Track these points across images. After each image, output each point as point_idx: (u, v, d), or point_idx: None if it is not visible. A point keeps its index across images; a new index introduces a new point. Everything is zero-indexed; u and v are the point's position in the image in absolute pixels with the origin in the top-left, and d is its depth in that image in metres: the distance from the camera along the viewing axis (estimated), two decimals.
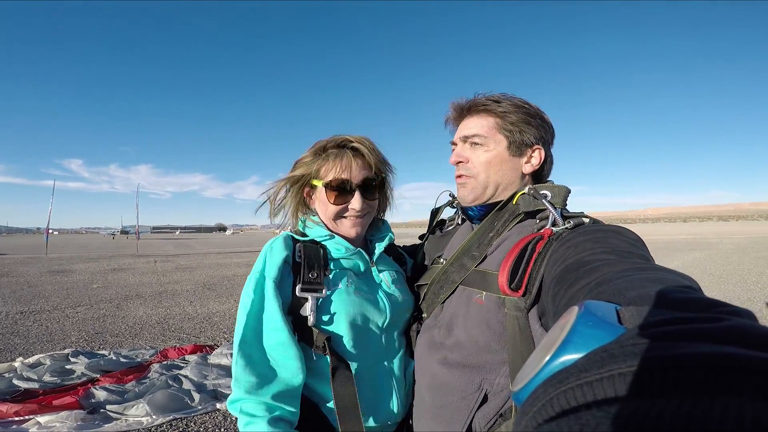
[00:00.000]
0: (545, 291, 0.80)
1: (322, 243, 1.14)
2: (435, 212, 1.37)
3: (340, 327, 1.04)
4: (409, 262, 1.37)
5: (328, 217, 1.14)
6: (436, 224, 1.38)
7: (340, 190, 1.10)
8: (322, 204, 1.14)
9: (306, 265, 1.06)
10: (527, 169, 1.09)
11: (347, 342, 1.04)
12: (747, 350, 0.22)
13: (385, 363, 1.11)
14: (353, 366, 1.03)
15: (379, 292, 1.13)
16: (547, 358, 0.33)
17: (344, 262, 1.13)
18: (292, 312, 1.03)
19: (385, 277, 1.18)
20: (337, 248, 1.12)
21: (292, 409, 0.97)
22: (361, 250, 1.14)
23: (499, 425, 0.91)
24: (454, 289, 1.06)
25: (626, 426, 0.20)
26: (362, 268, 1.15)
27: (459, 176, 1.14)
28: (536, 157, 1.08)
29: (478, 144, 1.10)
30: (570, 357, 0.32)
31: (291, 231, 1.19)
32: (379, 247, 1.19)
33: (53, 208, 22.05)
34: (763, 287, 8.91)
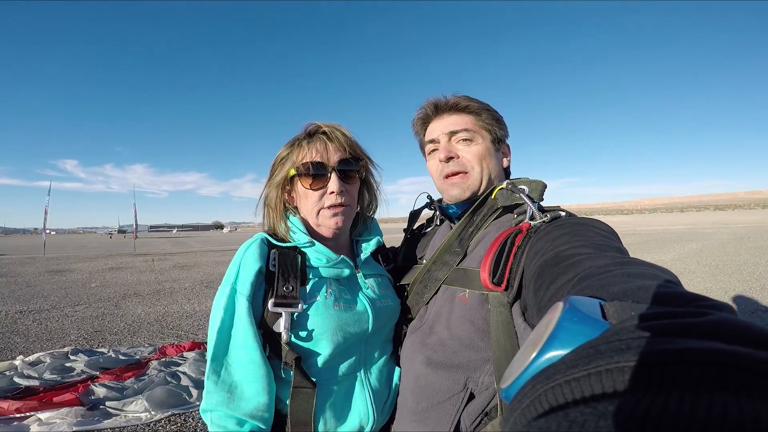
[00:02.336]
0: (526, 285, 0.81)
1: (302, 250, 1.07)
2: (414, 214, 1.37)
3: (317, 343, 0.99)
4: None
5: (309, 211, 1.10)
6: (416, 227, 1.38)
7: (316, 175, 1.06)
8: (302, 197, 1.10)
9: (281, 276, 0.99)
10: (505, 163, 1.13)
11: (322, 358, 1.00)
12: (730, 345, 0.22)
13: (362, 373, 1.07)
14: (323, 380, 1.00)
15: (363, 300, 1.08)
16: (534, 354, 0.33)
17: (325, 271, 1.06)
18: (263, 325, 0.98)
19: (370, 283, 1.13)
20: (317, 257, 1.06)
21: (262, 424, 0.95)
22: (345, 257, 1.09)
23: (484, 424, 0.91)
24: (438, 288, 1.06)
25: (613, 422, 0.20)
26: (346, 274, 1.10)
27: (454, 174, 1.12)
28: (508, 153, 1.13)
29: (467, 139, 1.11)
30: (556, 353, 0.32)
31: (267, 232, 1.12)
32: (365, 251, 1.16)
33: (50, 208, 21.98)
34: (759, 278, 8.74)
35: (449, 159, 1.11)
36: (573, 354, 0.27)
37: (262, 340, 0.97)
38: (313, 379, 0.97)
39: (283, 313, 0.96)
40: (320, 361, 1.00)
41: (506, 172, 1.16)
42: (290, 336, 0.97)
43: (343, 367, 1.04)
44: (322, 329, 0.99)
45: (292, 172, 1.09)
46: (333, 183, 1.07)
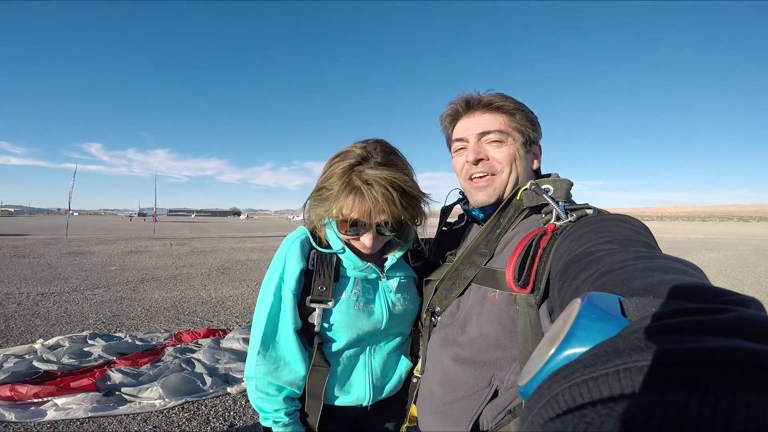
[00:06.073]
0: (552, 285, 0.81)
1: (336, 253, 1.21)
2: (445, 210, 1.37)
3: (336, 333, 1.19)
4: None
5: (343, 238, 1.20)
6: (447, 222, 1.40)
7: (353, 226, 1.13)
8: (340, 228, 1.17)
9: (317, 276, 1.17)
10: (534, 165, 1.13)
11: (337, 344, 1.20)
12: (754, 344, 0.21)
13: (366, 357, 1.26)
14: (335, 361, 1.22)
15: (381, 304, 1.22)
16: (552, 351, 0.33)
17: (353, 272, 1.21)
18: (300, 315, 1.18)
19: (393, 287, 1.25)
20: (347, 263, 1.21)
21: (297, 390, 1.19)
22: (371, 264, 1.21)
23: (507, 421, 0.93)
24: (467, 287, 1.07)
25: (630, 424, 0.19)
26: (372, 278, 1.24)
27: (482, 176, 1.10)
28: (539, 154, 1.12)
29: (498, 141, 1.08)
30: (574, 351, 0.31)
31: (309, 228, 1.24)
32: (392, 260, 1.24)
33: (73, 190, 22.50)
34: None
35: (478, 161, 1.09)
36: (591, 352, 0.26)
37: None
38: (328, 360, 1.20)
39: (317, 309, 1.16)
40: (335, 346, 1.20)
41: (536, 174, 1.16)
42: (320, 327, 1.18)
43: (351, 351, 1.23)
44: (341, 323, 1.17)
45: (334, 212, 1.14)
46: (367, 239, 1.15)
